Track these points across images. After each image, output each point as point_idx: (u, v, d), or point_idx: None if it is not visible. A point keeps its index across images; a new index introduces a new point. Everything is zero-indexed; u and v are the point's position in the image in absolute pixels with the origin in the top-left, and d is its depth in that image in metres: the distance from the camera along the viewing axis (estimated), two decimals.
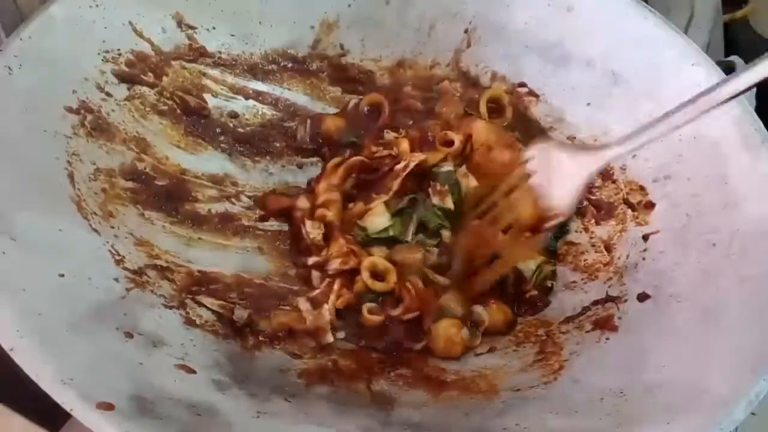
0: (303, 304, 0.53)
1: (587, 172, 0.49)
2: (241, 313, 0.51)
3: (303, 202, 0.60)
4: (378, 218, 0.58)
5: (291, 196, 0.61)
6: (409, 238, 0.58)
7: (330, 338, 0.52)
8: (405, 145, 0.61)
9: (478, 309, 0.55)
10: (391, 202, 0.58)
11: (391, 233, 0.58)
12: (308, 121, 0.65)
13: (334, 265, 0.55)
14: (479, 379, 0.50)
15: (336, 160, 0.62)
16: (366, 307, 0.54)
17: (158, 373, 0.42)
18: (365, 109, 0.66)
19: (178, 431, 0.37)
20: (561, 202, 0.50)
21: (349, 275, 0.55)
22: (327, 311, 0.52)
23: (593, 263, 0.58)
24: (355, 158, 0.61)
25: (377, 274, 0.55)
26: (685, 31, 0.77)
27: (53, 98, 0.51)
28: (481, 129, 0.62)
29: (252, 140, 0.63)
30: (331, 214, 0.58)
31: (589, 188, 0.62)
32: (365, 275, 0.54)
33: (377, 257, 0.56)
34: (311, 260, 0.57)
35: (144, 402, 0.38)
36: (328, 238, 0.57)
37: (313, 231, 0.58)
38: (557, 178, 0.50)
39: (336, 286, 0.54)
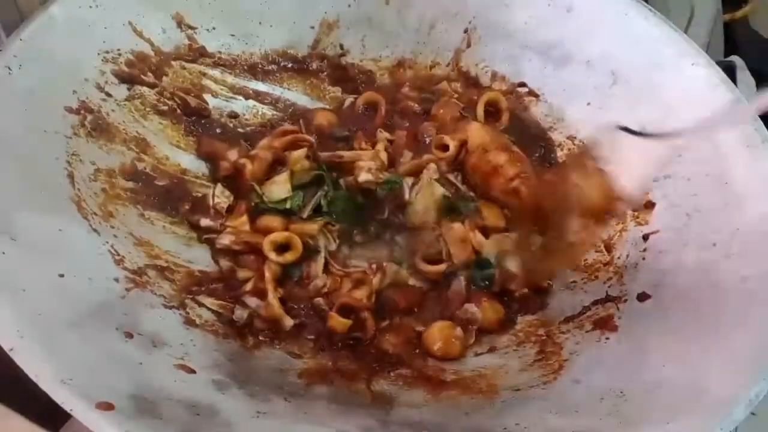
0: (250, 300, 0.52)
1: (659, 161, 0.46)
2: (241, 314, 0.51)
3: (233, 154, 0.59)
4: (278, 187, 0.57)
5: (225, 143, 0.61)
6: (305, 215, 0.57)
7: (289, 322, 0.51)
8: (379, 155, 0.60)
9: (471, 308, 0.55)
10: (297, 175, 0.58)
11: (288, 205, 0.57)
12: (301, 120, 0.65)
13: (224, 240, 0.54)
14: (479, 378, 0.50)
15: (288, 127, 0.62)
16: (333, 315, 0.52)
17: (158, 373, 0.42)
18: (361, 107, 0.66)
19: (178, 431, 0.37)
20: (631, 190, 0.47)
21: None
22: (273, 299, 0.51)
23: (593, 263, 0.58)
24: (305, 135, 0.61)
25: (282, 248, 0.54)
26: (685, 31, 0.77)
27: (53, 98, 0.51)
28: (476, 131, 0.62)
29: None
30: (251, 168, 0.57)
31: None
32: (268, 250, 0.53)
33: (276, 233, 0.54)
34: (204, 221, 0.56)
35: (144, 402, 0.38)
36: (231, 210, 0.57)
37: (220, 197, 0.57)
38: (627, 165, 0.46)
39: (268, 274, 0.52)
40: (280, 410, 0.44)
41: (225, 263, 0.55)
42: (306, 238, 0.55)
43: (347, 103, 0.67)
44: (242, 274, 0.54)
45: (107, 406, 0.35)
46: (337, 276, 0.55)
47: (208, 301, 0.51)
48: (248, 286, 0.52)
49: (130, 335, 0.43)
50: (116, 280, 0.47)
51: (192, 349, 0.46)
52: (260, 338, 0.51)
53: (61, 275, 0.43)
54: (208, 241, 0.56)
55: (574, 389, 0.47)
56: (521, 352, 0.53)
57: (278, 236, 0.54)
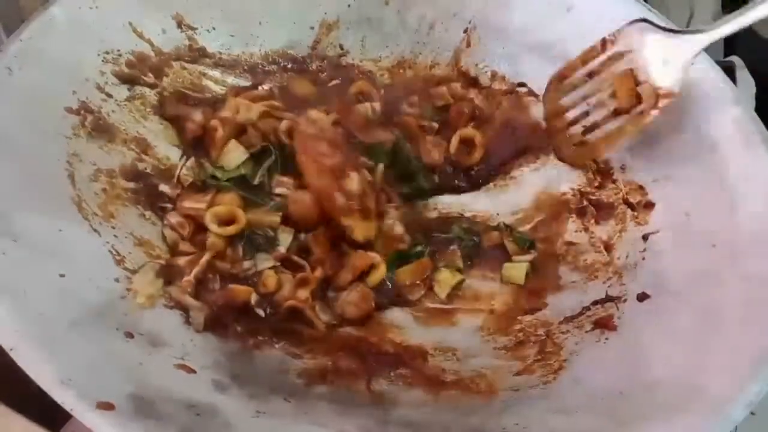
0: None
1: (689, 54, 0.51)
2: (198, 320, 0.49)
3: (198, 116, 0.59)
4: (234, 154, 0.57)
5: (190, 105, 0.60)
6: (256, 181, 0.57)
7: (199, 319, 0.49)
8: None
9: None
10: (244, 141, 0.58)
11: (242, 171, 0.57)
12: (274, 89, 0.64)
13: (172, 219, 0.54)
14: (479, 378, 0.50)
15: (262, 92, 0.62)
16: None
17: (158, 373, 0.42)
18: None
19: (178, 431, 0.37)
20: (671, 82, 0.52)
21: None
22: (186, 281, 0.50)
23: (593, 263, 0.58)
24: (284, 113, 0.60)
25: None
26: None
27: (53, 99, 0.51)
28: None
29: None
30: (222, 134, 0.57)
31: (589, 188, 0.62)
32: (210, 221, 0.53)
33: (219, 206, 0.55)
34: (162, 186, 0.55)
35: (144, 402, 0.38)
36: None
37: (188, 171, 0.57)
38: (658, 60, 0.52)
39: (203, 259, 0.52)
40: (280, 410, 0.44)
41: (171, 234, 0.54)
42: (259, 229, 0.55)
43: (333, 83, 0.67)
44: (184, 246, 0.53)
45: (107, 406, 0.35)
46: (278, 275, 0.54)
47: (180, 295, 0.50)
48: (181, 261, 0.51)
49: (130, 335, 0.43)
50: (117, 280, 0.47)
51: (192, 349, 0.46)
52: (260, 338, 0.51)
53: (62, 275, 0.43)
54: (158, 209, 0.55)
55: (573, 389, 0.47)
56: (521, 353, 0.53)
57: (221, 209, 0.54)
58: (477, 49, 0.68)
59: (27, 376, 0.36)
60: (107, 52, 0.57)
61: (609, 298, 0.54)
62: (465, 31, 0.68)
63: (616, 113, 0.56)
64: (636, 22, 0.55)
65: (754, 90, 0.76)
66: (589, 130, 0.58)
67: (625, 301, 0.53)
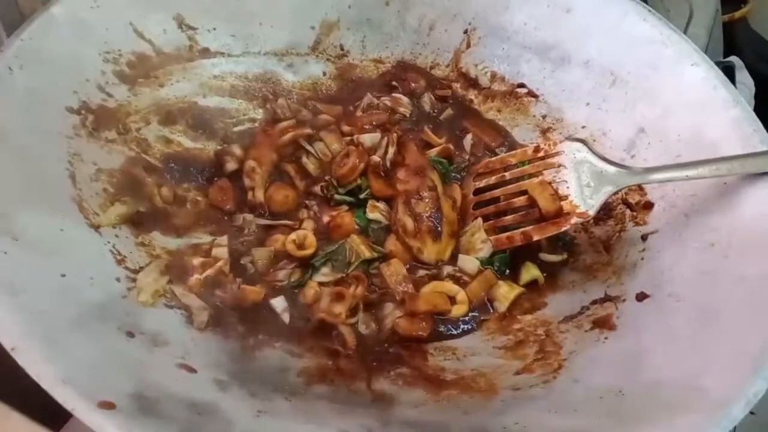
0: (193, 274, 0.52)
1: (613, 187, 0.54)
2: (201, 319, 0.49)
3: (237, 150, 0.62)
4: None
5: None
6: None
7: (203, 317, 0.50)
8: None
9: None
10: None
11: None
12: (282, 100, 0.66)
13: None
14: (479, 378, 0.50)
15: (286, 124, 0.63)
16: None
17: (159, 372, 0.42)
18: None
19: (179, 430, 0.37)
20: (588, 205, 0.55)
21: None
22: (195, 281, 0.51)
23: (592, 263, 0.58)
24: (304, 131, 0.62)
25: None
26: (685, 31, 0.78)
27: (54, 99, 0.52)
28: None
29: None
30: (260, 171, 0.59)
31: None
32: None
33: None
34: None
35: (145, 401, 0.38)
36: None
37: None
38: (590, 183, 0.55)
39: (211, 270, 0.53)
40: (281, 409, 0.44)
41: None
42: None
43: None
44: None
45: (108, 406, 0.35)
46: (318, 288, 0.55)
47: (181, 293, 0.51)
48: (195, 261, 0.52)
49: (131, 335, 0.43)
50: (117, 279, 0.47)
51: (193, 348, 0.46)
52: (260, 337, 0.51)
53: (63, 275, 0.43)
54: None
55: (573, 389, 0.47)
56: (521, 352, 0.53)
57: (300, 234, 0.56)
58: (477, 50, 0.68)
59: (28, 375, 0.36)
60: (108, 52, 0.57)
61: (608, 298, 0.54)
62: (465, 32, 0.68)
63: (527, 216, 0.57)
64: (575, 141, 0.57)
65: (753, 90, 0.76)
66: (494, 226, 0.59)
67: (624, 300, 0.53)
